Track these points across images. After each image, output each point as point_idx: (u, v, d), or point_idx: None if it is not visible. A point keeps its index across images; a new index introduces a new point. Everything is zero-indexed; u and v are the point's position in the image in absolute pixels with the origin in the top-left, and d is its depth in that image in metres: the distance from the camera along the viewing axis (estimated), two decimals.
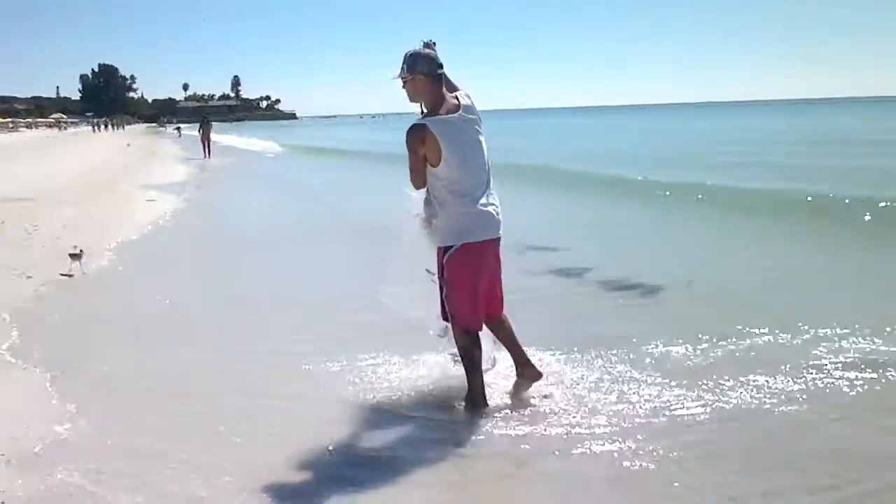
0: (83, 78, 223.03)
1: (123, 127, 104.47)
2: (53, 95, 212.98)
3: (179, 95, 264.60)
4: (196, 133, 35.80)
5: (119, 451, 3.71)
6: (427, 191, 4.27)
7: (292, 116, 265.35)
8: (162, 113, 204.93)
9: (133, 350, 5.43)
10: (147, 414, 4.24)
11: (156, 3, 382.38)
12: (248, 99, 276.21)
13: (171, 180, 20.03)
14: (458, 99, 4.20)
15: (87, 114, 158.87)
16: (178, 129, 71.37)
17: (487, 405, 4.25)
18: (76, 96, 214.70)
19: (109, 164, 26.86)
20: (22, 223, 10.92)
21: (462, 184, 4.10)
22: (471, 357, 4.22)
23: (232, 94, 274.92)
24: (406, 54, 4.16)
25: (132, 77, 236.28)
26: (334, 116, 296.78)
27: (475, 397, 4.25)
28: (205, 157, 30.06)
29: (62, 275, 7.24)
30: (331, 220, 12.66)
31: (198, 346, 5.53)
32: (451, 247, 4.14)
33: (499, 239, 4.24)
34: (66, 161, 27.65)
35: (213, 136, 32.00)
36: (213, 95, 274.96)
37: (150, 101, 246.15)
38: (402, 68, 4.16)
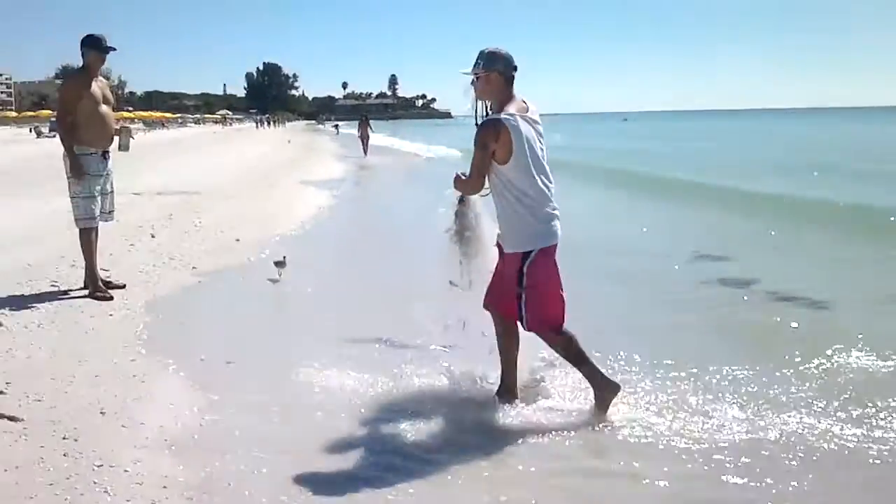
0: (248, 76, 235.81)
1: (284, 124, 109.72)
2: (220, 92, 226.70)
3: (338, 93, 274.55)
4: (354, 131, 36.64)
5: (265, 441, 3.83)
6: (461, 201, 4.32)
7: (447, 115, 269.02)
8: (321, 110, 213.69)
9: (283, 341, 5.59)
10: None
11: (318, 3, 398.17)
12: (404, 97, 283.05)
13: (329, 176, 20.74)
14: (525, 103, 4.26)
15: (251, 110, 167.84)
16: (336, 126, 74.10)
17: (620, 387, 4.29)
18: (241, 93, 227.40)
19: (271, 159, 28.17)
20: (189, 216, 11.55)
21: (534, 187, 4.14)
22: (576, 351, 4.27)
23: (389, 93, 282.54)
24: (483, 51, 4.25)
25: (294, 75, 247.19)
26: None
27: (598, 383, 4.27)
28: (364, 154, 30.42)
29: (269, 280, 7.42)
30: None
31: (336, 342, 5.60)
32: (530, 252, 4.15)
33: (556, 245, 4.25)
34: (230, 156, 29.26)
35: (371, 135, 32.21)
36: (371, 94, 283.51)
37: (310, 98, 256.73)
38: (478, 63, 4.24)
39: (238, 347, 5.34)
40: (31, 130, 55.65)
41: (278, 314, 6.76)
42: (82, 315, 5.99)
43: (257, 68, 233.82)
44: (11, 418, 3.99)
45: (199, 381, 4.68)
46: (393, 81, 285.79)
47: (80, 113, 6.35)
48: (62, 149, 6.42)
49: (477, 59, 4.25)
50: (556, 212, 4.21)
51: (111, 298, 6.45)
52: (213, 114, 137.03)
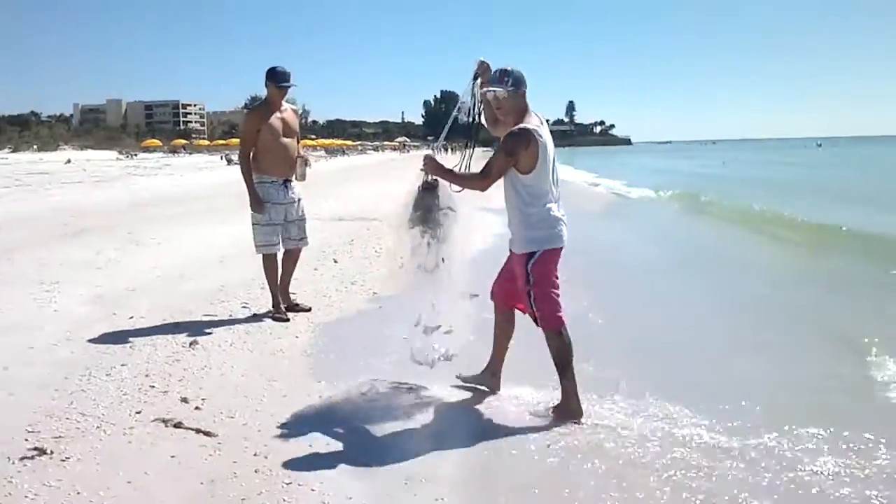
0: (426, 104, 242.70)
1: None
2: (398, 120, 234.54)
3: None
4: None
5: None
6: (428, 188, 4.87)
7: (626, 142, 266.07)
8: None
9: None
10: None
11: (497, 34, 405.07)
12: (581, 124, 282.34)
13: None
14: (537, 116, 4.74)
15: (429, 137, 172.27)
16: None
17: (581, 415, 4.58)
18: (419, 121, 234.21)
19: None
20: (370, 242, 11.97)
21: (548, 194, 4.65)
22: (567, 359, 4.64)
23: (566, 119, 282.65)
24: (510, 70, 4.69)
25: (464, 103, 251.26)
26: (669, 142, 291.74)
27: (570, 403, 4.62)
28: None
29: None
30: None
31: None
32: (535, 253, 4.63)
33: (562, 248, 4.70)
34: (407, 182, 30.05)
35: None
36: (549, 120, 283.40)
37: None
38: (507, 81, 4.64)
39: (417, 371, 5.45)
40: (221, 157, 59.92)
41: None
42: (270, 336, 6.34)
43: (434, 96, 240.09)
44: (207, 433, 4.28)
45: (371, 398, 4.85)
46: (570, 108, 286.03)
47: (260, 143, 6.71)
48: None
49: (504, 78, 4.66)
50: (563, 218, 4.71)
51: (287, 320, 6.80)
52: (392, 140, 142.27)
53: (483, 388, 5.07)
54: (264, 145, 6.71)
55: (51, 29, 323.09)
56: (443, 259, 4.87)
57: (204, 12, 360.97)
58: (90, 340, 6.02)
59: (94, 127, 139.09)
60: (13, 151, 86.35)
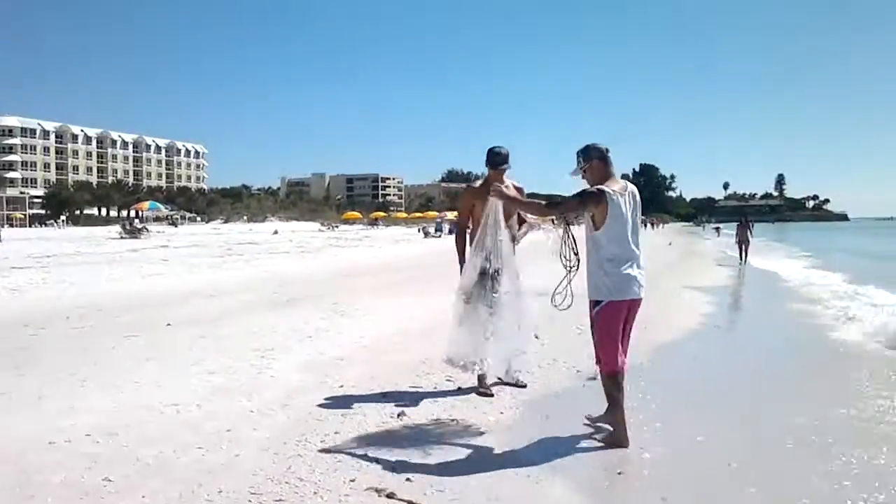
0: (624, 177, 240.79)
1: (662, 226, 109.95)
2: None
3: (719, 194, 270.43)
4: (733, 234, 33.82)
5: None
6: (565, 227, 5.87)
7: (843, 218, 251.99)
8: (699, 211, 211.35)
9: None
10: None
11: (698, 106, 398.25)
12: (792, 198, 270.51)
13: (712, 283, 20.26)
14: (622, 182, 5.59)
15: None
16: (718, 228, 72.60)
17: (627, 445, 5.42)
18: None
19: (654, 260, 28.11)
20: (570, 320, 11.89)
21: (615, 252, 5.41)
22: (615, 397, 5.48)
23: (775, 193, 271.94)
24: (578, 151, 5.63)
25: (672, 176, 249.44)
26: (891, 218, 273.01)
27: (618, 434, 5.46)
28: (740, 262, 27.91)
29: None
30: None
31: None
32: (600, 302, 5.48)
33: (640, 300, 5.59)
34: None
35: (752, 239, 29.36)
36: (755, 194, 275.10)
37: (687, 199, 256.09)
38: (579, 161, 5.63)
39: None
40: (419, 230, 62.16)
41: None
42: (475, 410, 6.44)
43: (633, 170, 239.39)
44: None
45: (592, 488, 4.81)
46: (780, 181, 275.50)
47: (473, 221, 7.00)
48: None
49: (578, 159, 5.63)
50: (636, 273, 5.51)
51: (492, 395, 6.90)
52: None
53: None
54: (477, 223, 6.96)
55: (263, 107, 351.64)
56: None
57: (401, 91, 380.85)
58: (305, 407, 6.39)
59: (298, 199, 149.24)
60: (225, 222, 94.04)
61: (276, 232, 58.62)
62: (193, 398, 6.60)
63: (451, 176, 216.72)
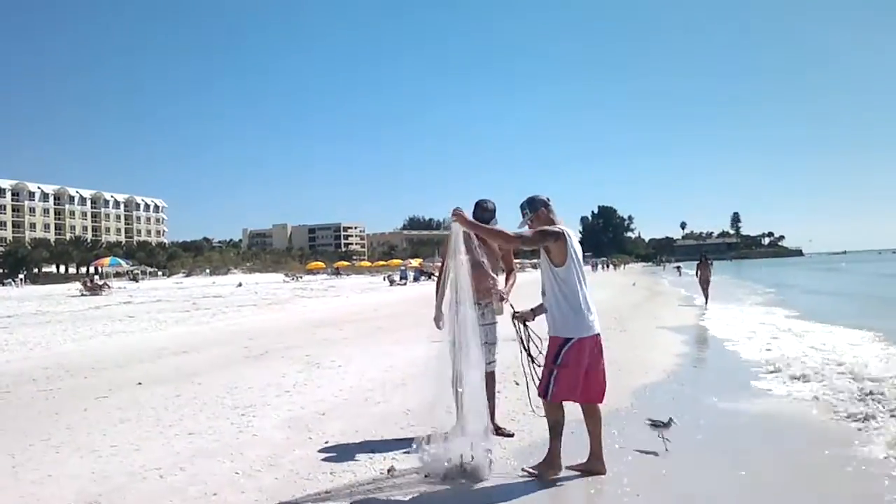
0: (583, 220, 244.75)
1: (623, 266, 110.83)
2: None
3: (676, 234, 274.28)
4: (693, 273, 32.67)
5: None
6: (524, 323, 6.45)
7: (798, 253, 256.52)
8: (658, 251, 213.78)
9: None
10: None
11: (651, 146, 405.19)
12: (748, 235, 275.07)
13: (681, 323, 20.32)
14: (566, 228, 5.91)
15: (586, 254, 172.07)
16: (679, 268, 73.25)
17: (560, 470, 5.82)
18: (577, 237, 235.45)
19: (617, 302, 28.24)
20: None
21: (578, 290, 5.76)
22: (560, 426, 5.87)
23: (731, 231, 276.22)
24: (522, 204, 6.07)
25: (630, 217, 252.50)
26: (844, 252, 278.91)
27: (553, 459, 5.85)
28: (705, 303, 26.74)
29: (645, 451, 6.62)
30: None
31: None
32: (570, 340, 5.72)
33: (599, 335, 5.86)
34: None
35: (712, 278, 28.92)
36: (711, 233, 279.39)
37: (646, 240, 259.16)
38: (525, 212, 6.06)
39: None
40: (384, 279, 61.95)
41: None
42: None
43: (592, 212, 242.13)
44: None
45: None
46: (735, 219, 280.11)
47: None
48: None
49: (523, 211, 6.06)
50: (594, 309, 5.83)
51: (512, 435, 6.99)
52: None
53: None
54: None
55: (222, 159, 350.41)
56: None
57: (362, 139, 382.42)
58: (292, 466, 6.18)
59: (261, 251, 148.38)
60: (188, 276, 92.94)
61: (240, 284, 58.02)
62: (175, 461, 6.36)
63: (413, 223, 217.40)
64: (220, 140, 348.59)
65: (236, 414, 8.26)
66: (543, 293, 6.00)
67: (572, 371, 5.73)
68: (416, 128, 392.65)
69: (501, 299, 7.06)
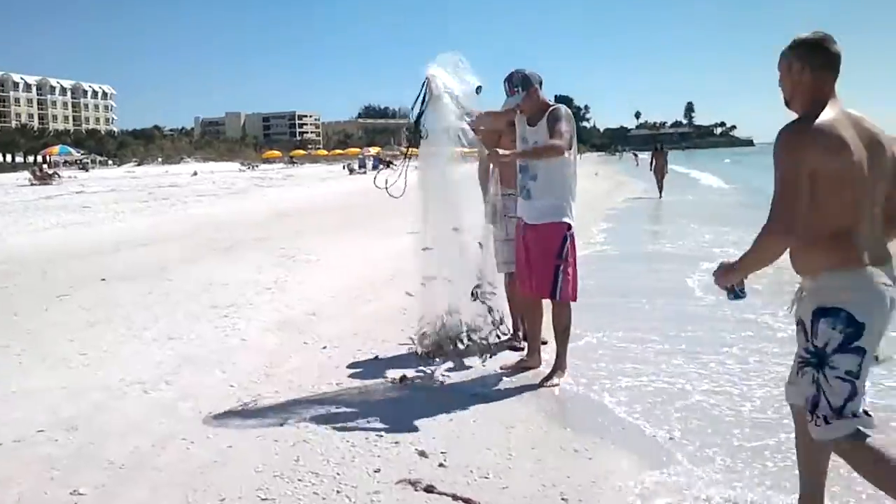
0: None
1: (580, 156, 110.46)
2: None
3: (631, 123, 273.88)
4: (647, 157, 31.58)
5: None
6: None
7: (749, 143, 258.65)
8: (613, 141, 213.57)
9: None
10: None
11: (609, 34, 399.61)
12: (701, 125, 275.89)
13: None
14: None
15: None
16: (636, 156, 72.55)
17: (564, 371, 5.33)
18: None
19: (596, 191, 27.22)
20: None
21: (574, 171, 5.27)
22: (569, 330, 5.39)
23: (684, 121, 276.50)
24: (513, 76, 5.18)
25: (585, 107, 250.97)
26: None
27: (560, 364, 5.32)
28: (659, 195, 25.37)
29: None
30: None
31: None
32: (572, 227, 5.21)
33: None
34: None
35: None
36: (665, 123, 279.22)
37: (601, 130, 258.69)
38: (516, 89, 5.16)
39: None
40: (344, 167, 60.65)
41: None
42: (484, 371, 5.60)
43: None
44: (467, 501, 3.59)
45: (648, 454, 4.08)
46: (689, 109, 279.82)
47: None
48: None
49: (513, 87, 5.17)
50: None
51: (522, 349, 6.02)
52: None
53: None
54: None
55: (172, 46, 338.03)
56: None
57: (316, 25, 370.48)
58: (291, 377, 5.45)
59: (214, 139, 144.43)
60: (139, 165, 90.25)
61: (195, 173, 56.02)
62: (158, 373, 5.54)
63: (369, 112, 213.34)
64: (169, 24, 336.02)
65: (217, 315, 7.46)
66: (529, 177, 5.23)
67: (573, 264, 5.23)
68: (368, 11, 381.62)
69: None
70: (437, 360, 5.48)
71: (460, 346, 5.35)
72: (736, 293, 3.10)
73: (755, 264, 2.95)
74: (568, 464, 4.02)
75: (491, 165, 5.59)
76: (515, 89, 5.18)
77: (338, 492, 3.67)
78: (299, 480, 3.77)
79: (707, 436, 4.38)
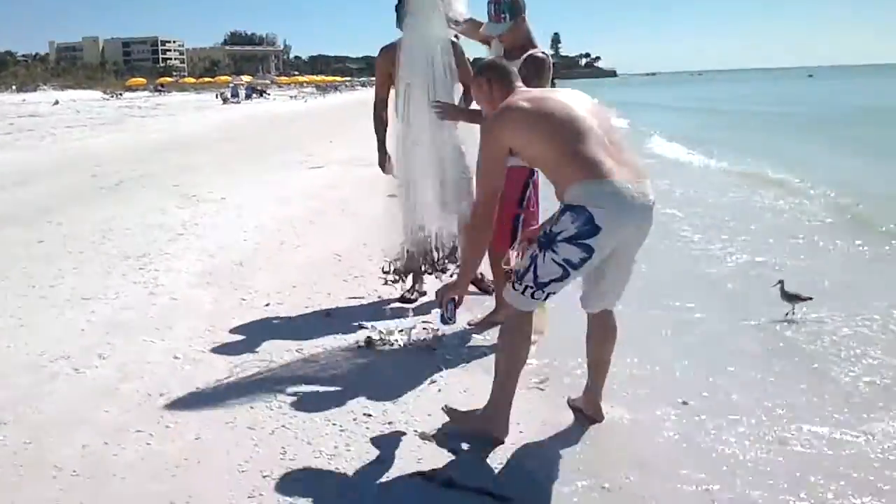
0: None
1: None
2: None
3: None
4: None
5: None
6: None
7: (612, 74, 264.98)
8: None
9: None
10: None
11: None
12: (567, 56, 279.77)
13: None
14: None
15: None
16: None
17: None
18: None
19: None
20: None
21: None
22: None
23: (551, 52, 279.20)
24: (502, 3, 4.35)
25: (456, 36, 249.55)
26: (654, 74, 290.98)
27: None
28: None
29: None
30: None
31: None
32: (535, 173, 4.51)
33: None
34: None
35: None
36: None
37: (471, 59, 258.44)
38: (503, 17, 4.36)
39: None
40: (217, 96, 57.91)
41: None
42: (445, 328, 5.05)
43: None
44: (494, 495, 3.08)
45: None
46: (556, 40, 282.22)
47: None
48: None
49: (501, 12, 4.36)
50: None
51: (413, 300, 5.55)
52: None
53: None
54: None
55: None
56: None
57: None
58: (241, 345, 4.69)
59: (71, 66, 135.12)
60: None
61: (56, 102, 51.86)
62: (85, 344, 4.64)
63: (236, 38, 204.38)
64: None
65: (131, 267, 6.54)
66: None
67: (536, 215, 4.58)
68: None
69: None
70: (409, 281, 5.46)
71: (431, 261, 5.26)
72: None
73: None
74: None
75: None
76: (502, 15, 4.40)
77: (340, 496, 3.07)
78: (295, 481, 3.13)
79: None
